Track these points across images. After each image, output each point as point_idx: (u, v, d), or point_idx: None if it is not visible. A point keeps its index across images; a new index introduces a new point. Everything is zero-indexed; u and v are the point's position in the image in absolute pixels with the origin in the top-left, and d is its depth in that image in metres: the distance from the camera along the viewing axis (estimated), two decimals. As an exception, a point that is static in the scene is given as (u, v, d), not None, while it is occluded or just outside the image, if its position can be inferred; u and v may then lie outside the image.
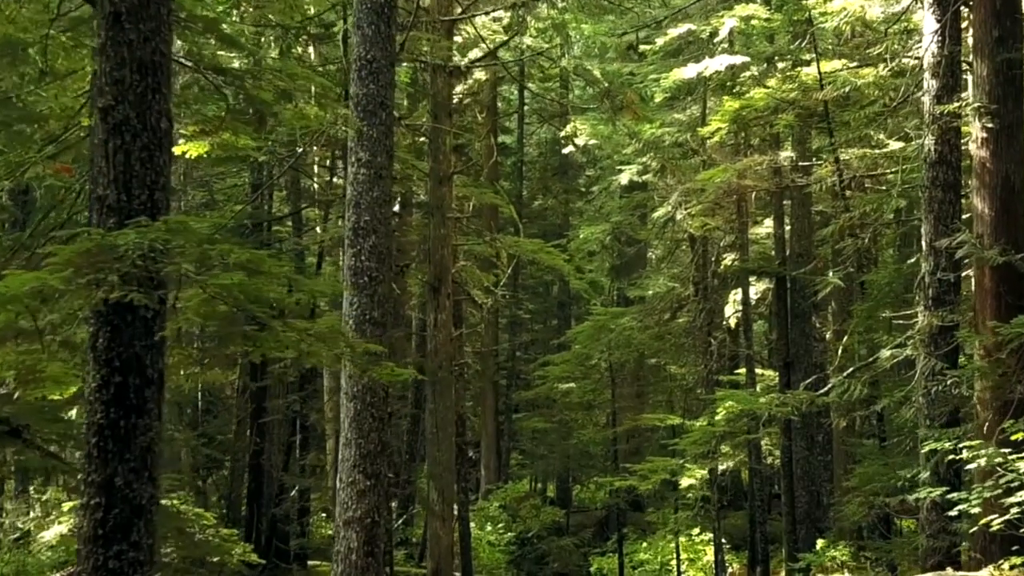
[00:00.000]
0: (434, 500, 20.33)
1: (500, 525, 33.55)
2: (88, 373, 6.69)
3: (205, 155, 10.02)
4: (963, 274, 13.61)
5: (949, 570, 8.55)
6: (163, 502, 8.80)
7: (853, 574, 27.41)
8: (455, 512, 22.08)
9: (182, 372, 25.86)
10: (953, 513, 9.59)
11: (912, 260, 16.55)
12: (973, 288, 13.08)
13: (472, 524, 33.49)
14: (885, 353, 12.83)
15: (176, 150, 10.53)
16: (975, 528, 9.54)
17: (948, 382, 12.07)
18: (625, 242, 33.57)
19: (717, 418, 17.40)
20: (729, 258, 25.58)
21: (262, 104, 8.57)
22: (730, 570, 30.75)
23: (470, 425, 41.63)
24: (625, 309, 25.48)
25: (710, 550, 27.16)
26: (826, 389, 13.46)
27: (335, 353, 6.72)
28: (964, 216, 13.71)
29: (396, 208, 28.66)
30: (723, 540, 30.37)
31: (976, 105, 12.59)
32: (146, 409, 6.63)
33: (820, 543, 28.24)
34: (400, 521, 30.88)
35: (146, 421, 6.62)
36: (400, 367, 12.78)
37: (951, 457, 9.82)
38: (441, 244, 20.53)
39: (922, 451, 11.29)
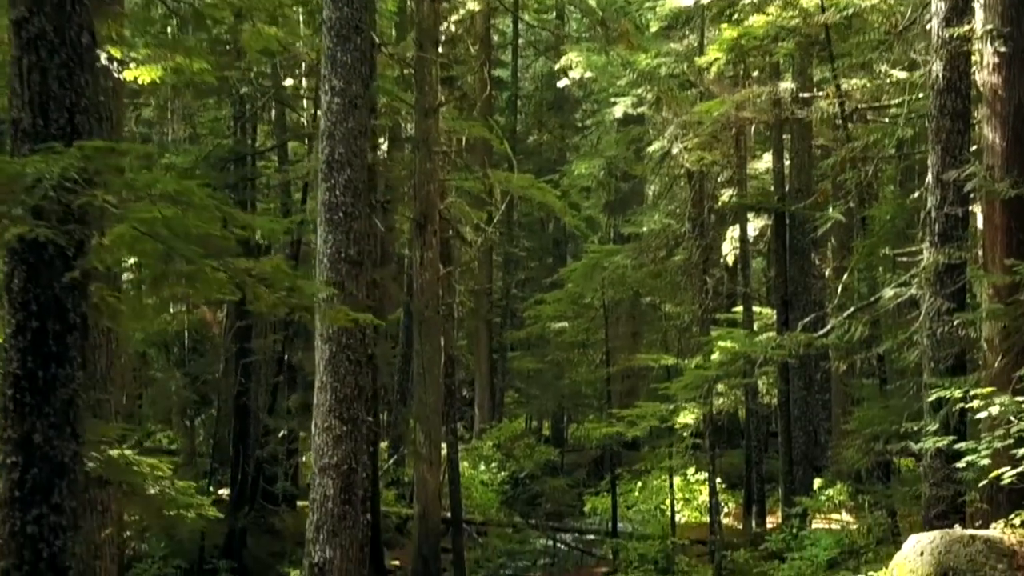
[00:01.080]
0: (421, 443, 19.75)
1: (493, 464, 33.14)
2: (4, 318, 6.01)
3: (159, 81, 9.25)
4: (971, 209, 12.86)
5: (957, 527, 7.94)
6: (113, 452, 8.18)
7: (851, 515, 26.99)
8: (443, 455, 21.53)
9: (172, 309, 25.29)
10: (960, 465, 8.97)
11: (916, 195, 15.81)
12: (982, 224, 12.34)
13: (465, 463, 33.09)
14: (888, 292, 12.09)
15: (127, 75, 9.82)
16: (984, 482, 8.93)
17: (955, 323, 11.37)
18: (621, 178, 32.80)
19: (713, 358, 16.79)
20: (727, 194, 24.97)
21: (212, 21, 7.79)
22: (725, 510, 30.38)
23: (464, 364, 41.20)
24: (619, 247, 24.79)
25: (706, 489, 26.73)
26: (825, 331, 12.77)
27: (279, 297, 6.03)
28: (973, 148, 12.95)
29: (383, 143, 27.94)
30: (719, 479, 29.92)
31: (988, 28, 11.78)
32: (68, 357, 5.96)
33: (817, 482, 27.82)
34: (391, 461, 30.47)
35: (67, 371, 5.96)
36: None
37: (960, 406, 9.16)
38: (427, 179, 19.76)
39: (928, 400, 10.63)
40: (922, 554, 7.30)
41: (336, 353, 12.66)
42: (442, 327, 20.63)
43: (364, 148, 13.13)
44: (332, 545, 12.51)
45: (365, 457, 15.61)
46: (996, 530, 7.41)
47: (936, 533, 7.37)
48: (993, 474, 8.18)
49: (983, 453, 8.45)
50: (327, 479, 12.59)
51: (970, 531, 7.30)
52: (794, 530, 17.19)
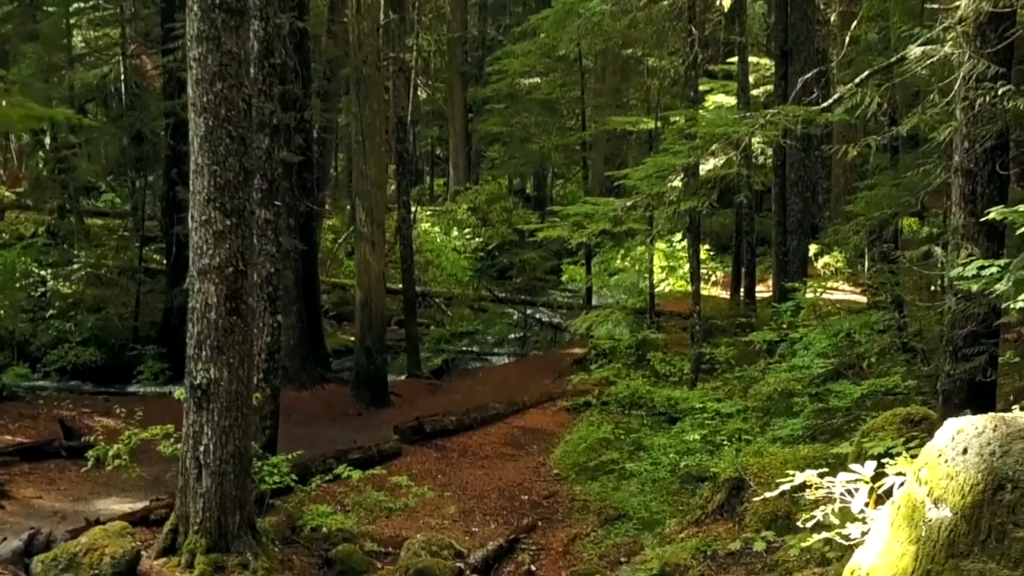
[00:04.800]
0: (361, 221, 17.26)
1: (467, 230, 30.94)
2: None
3: None
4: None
5: (1016, 409, 5.60)
6: None
7: (849, 283, 24.88)
8: (388, 233, 19.11)
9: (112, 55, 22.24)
10: (1017, 307, 6.54)
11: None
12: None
13: (436, 229, 30.89)
14: (914, 51, 9.29)
15: None
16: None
17: (999, 92, 8.66)
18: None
19: (698, 128, 14.17)
20: (724, -75, 21.93)
21: None
22: (713, 278, 28.47)
23: (440, 118, 38.39)
24: (596, -11, 21.61)
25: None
26: (830, 102, 10.05)
27: None
28: None
29: None
30: (708, 246, 27.85)
31: None
32: None
33: (813, 248, 25.64)
34: (343, 239, 28.24)
35: None
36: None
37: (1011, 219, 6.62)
38: (361, -96, 16.58)
39: (982, 218, 7.97)
40: (965, 452, 4.95)
41: (214, 128, 10.04)
42: (382, 85, 17.81)
43: None
44: (218, 364, 10.22)
45: (273, 248, 13.21)
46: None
47: (985, 421, 4.99)
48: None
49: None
50: (208, 284, 10.17)
51: (1033, 415, 4.87)
52: (783, 324, 14.91)
